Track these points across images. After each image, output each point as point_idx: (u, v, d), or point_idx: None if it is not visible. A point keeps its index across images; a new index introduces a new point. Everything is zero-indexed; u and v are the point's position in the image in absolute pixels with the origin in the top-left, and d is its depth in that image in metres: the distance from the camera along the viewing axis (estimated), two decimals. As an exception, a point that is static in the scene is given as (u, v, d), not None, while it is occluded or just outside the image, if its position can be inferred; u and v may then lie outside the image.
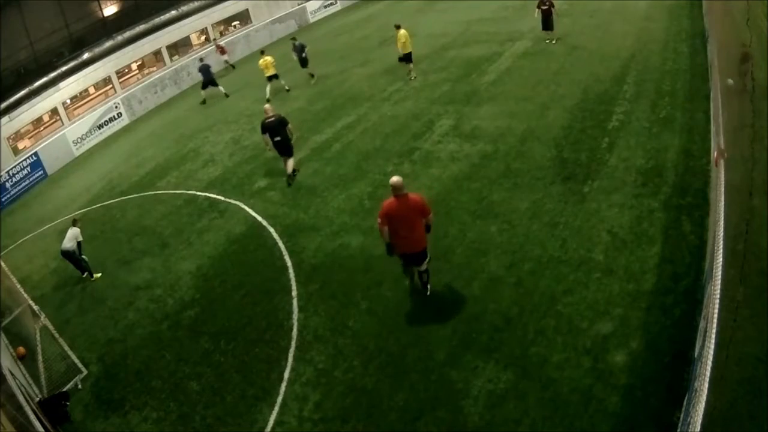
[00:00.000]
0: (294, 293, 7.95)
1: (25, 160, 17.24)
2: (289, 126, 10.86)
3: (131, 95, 21.16)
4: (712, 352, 3.01)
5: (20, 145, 18.02)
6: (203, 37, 24.83)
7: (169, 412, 6.57)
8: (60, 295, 10.00)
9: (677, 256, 6.59)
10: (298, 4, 27.79)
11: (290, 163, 11.15)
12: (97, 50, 20.47)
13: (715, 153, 5.85)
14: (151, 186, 13.45)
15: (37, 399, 6.89)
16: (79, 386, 7.48)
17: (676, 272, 6.35)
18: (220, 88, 19.55)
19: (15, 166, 16.88)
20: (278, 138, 10.76)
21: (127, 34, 21.50)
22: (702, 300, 5.31)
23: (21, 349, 8.11)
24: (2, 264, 8.06)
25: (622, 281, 6.43)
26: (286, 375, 6.53)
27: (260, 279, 8.52)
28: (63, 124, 19.05)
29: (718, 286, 3.37)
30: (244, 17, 25.98)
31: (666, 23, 14.61)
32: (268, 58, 17.29)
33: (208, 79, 19.38)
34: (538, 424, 5.10)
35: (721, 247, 3.67)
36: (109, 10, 22.06)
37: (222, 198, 11.57)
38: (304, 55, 17.56)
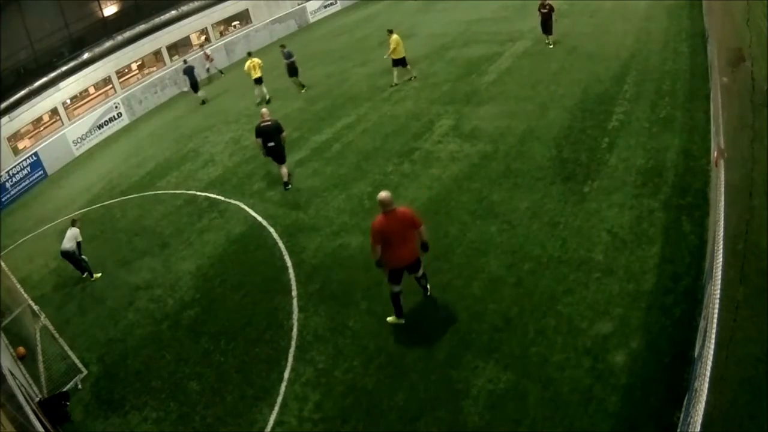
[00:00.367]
0: (294, 293, 7.95)
1: (25, 160, 17.25)
2: (284, 134, 10.72)
3: (131, 95, 21.18)
4: (712, 352, 3.01)
5: (20, 145, 18.03)
6: (203, 37, 24.84)
7: (169, 412, 6.57)
8: (60, 295, 10.00)
9: (677, 256, 6.59)
10: (298, 4, 27.79)
11: (284, 171, 11.03)
12: (97, 50, 20.49)
13: (715, 153, 5.85)
14: (151, 186, 13.45)
15: (37, 399, 6.90)
16: (79, 386, 7.48)
17: (676, 272, 6.35)
18: (199, 93, 19.49)
19: (15, 166, 16.90)
20: (271, 144, 10.61)
21: (127, 34, 21.52)
22: (702, 300, 5.31)
23: (21, 349, 8.11)
24: (2, 264, 8.06)
25: (622, 281, 6.43)
26: (286, 375, 6.53)
27: (260, 279, 8.53)
28: (63, 124, 19.06)
29: (718, 286, 3.37)
30: (244, 17, 26.00)
31: (666, 23, 14.61)
32: (256, 60, 16.94)
33: (193, 81, 19.34)
34: (538, 424, 5.10)
35: (721, 247, 3.66)
36: (109, 10, 22.07)
37: (222, 198, 11.57)
38: (292, 61, 16.88)
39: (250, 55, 17.95)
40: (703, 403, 2.84)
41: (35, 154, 17.64)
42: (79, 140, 19.08)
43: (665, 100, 10.47)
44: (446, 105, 13.01)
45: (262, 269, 8.76)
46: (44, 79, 18.66)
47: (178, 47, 23.82)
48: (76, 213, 13.02)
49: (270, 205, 10.68)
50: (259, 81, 17.01)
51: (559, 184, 8.68)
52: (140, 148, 16.98)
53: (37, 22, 19.19)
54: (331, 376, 6.33)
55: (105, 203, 13.45)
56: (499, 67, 14.54)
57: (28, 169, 17.31)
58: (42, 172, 17.72)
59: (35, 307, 7.62)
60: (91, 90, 20.80)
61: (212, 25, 24.66)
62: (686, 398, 4.31)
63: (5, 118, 17.12)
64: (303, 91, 17.02)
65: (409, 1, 26.40)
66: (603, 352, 5.60)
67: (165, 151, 15.77)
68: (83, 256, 10.03)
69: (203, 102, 19.45)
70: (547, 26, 14.88)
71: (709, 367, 2.96)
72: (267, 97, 17.08)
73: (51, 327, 7.62)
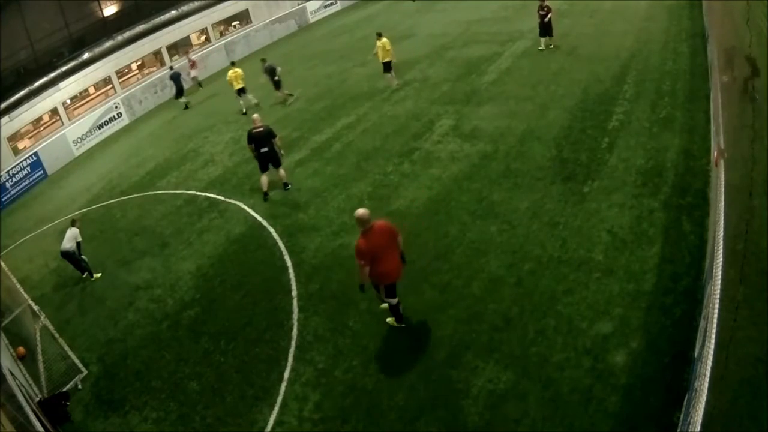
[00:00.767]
0: (294, 293, 7.95)
1: (25, 160, 17.25)
2: (276, 139, 10.60)
3: (131, 95, 21.18)
4: (712, 352, 3.01)
5: (20, 145, 18.03)
6: (203, 37, 24.83)
7: (169, 412, 6.57)
8: (60, 295, 10.00)
9: (677, 256, 6.59)
10: (298, 4, 27.79)
11: (281, 172, 10.91)
12: (97, 50, 20.49)
13: (715, 153, 5.85)
14: (151, 186, 13.45)
15: (37, 399, 6.89)
16: (79, 386, 7.48)
17: (676, 272, 6.35)
18: (181, 99, 19.37)
19: (15, 166, 16.90)
20: (265, 149, 10.45)
21: (127, 34, 21.51)
22: (702, 300, 5.31)
23: (21, 349, 8.11)
24: (2, 264, 8.06)
25: (622, 281, 6.43)
26: (286, 375, 6.53)
27: (260, 279, 8.53)
28: (63, 124, 19.06)
29: (718, 286, 3.37)
30: (244, 17, 26.00)
31: (666, 23, 14.61)
32: (238, 71, 16.53)
33: (180, 87, 19.20)
34: (538, 424, 5.10)
35: (721, 247, 3.67)
36: (109, 10, 22.07)
37: (222, 198, 11.57)
38: (276, 78, 16.14)
39: (233, 64, 17.70)
40: (703, 403, 2.84)
41: (35, 154, 17.64)
42: (79, 140, 19.08)
43: (665, 100, 10.47)
44: (446, 105, 13.01)
45: (262, 269, 8.76)
46: (44, 79, 18.66)
47: (178, 47, 23.81)
48: (76, 213, 13.02)
49: (270, 205, 10.68)
50: (241, 91, 16.58)
51: (559, 184, 8.68)
52: (140, 148, 16.98)
53: (37, 22, 19.19)
54: (331, 376, 6.33)
55: (105, 203, 13.45)
56: (499, 67, 14.53)
57: (28, 169, 17.31)
58: (42, 172, 17.72)
59: (35, 307, 7.63)
60: (91, 90, 20.80)
61: (212, 25, 24.66)
62: (686, 398, 4.31)
63: (5, 118, 17.12)
64: (289, 102, 16.35)
65: (408, 2, 26.39)
66: (603, 352, 5.60)
67: (165, 151, 15.76)
68: (83, 256, 10.03)
69: (186, 107, 19.23)
70: (546, 28, 14.68)
71: (709, 367, 2.96)
72: (254, 102, 16.66)
73: (51, 327, 7.63)
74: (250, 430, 6.00)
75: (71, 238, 9.81)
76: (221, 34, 25.29)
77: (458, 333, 6.38)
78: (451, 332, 6.42)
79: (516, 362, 5.79)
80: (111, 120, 20.25)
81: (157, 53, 22.82)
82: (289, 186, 11.03)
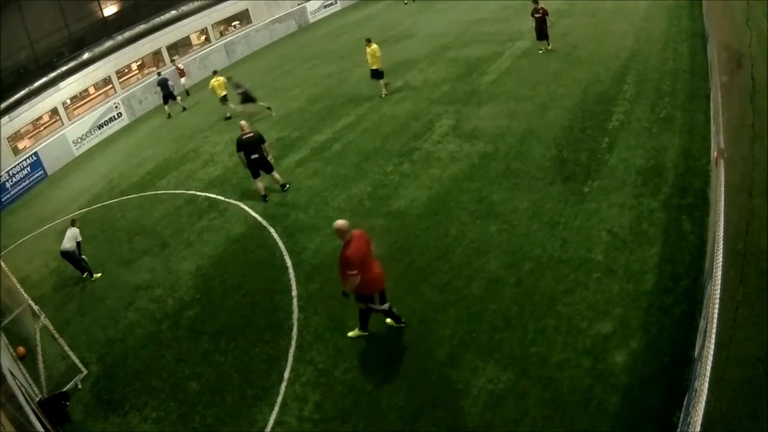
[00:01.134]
0: (294, 293, 7.95)
1: (25, 160, 17.25)
2: (265, 144, 10.47)
3: (131, 95, 21.17)
4: (712, 352, 3.01)
5: (20, 145, 18.03)
6: (203, 37, 24.83)
7: (169, 412, 6.57)
8: (60, 295, 10.00)
9: (677, 256, 6.59)
10: (298, 4, 27.79)
11: (276, 176, 10.81)
12: (97, 50, 20.47)
13: (715, 153, 5.86)
14: (151, 186, 13.45)
15: (37, 399, 6.89)
16: (79, 386, 7.48)
17: (676, 272, 6.35)
18: (178, 100, 19.24)
19: (15, 166, 16.89)
20: (255, 156, 10.34)
21: (127, 34, 21.50)
22: (702, 300, 5.31)
23: (21, 349, 8.11)
24: (2, 264, 8.06)
25: (622, 281, 6.43)
26: (286, 375, 6.53)
27: (260, 279, 8.53)
28: (63, 124, 19.06)
29: (718, 286, 3.37)
30: (244, 17, 26.00)
31: (666, 23, 14.61)
32: (220, 79, 16.53)
33: (167, 93, 18.98)
34: (538, 424, 5.10)
35: (721, 247, 3.66)
36: (109, 10, 22.06)
37: (222, 198, 11.57)
38: (243, 92, 15.59)
39: (215, 73, 17.70)
40: (703, 403, 2.84)
41: (35, 154, 17.63)
42: (79, 140, 19.07)
43: (665, 100, 10.47)
44: (446, 105, 13.01)
45: (262, 269, 8.76)
46: (44, 79, 18.65)
47: (178, 47, 23.81)
48: (76, 213, 13.02)
49: (270, 205, 10.68)
50: (224, 99, 16.57)
51: (559, 184, 8.68)
52: (140, 148, 16.98)
53: (37, 22, 19.18)
54: (331, 376, 6.33)
55: (105, 203, 13.45)
56: (499, 67, 14.53)
57: (28, 169, 17.30)
58: (42, 172, 17.72)
59: (35, 307, 7.63)
60: (91, 90, 20.79)
61: (212, 25, 24.66)
62: (686, 398, 4.31)
63: (5, 118, 17.11)
64: (273, 113, 15.70)
65: (409, 2, 26.39)
66: (603, 352, 5.60)
67: (165, 151, 15.76)
68: (83, 256, 10.03)
69: (169, 116, 19.04)
70: (541, 32, 14.50)
71: (709, 367, 2.96)
72: (239, 110, 16.27)
73: (51, 327, 7.62)
74: (250, 430, 6.00)
75: (71, 238, 9.81)
76: (221, 34, 25.29)
77: (458, 333, 6.38)
78: (451, 332, 6.42)
79: (516, 362, 5.79)
80: (111, 120, 20.24)
81: (157, 53, 22.80)
82: (287, 186, 10.99)
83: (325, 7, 29.00)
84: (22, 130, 18.32)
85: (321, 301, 7.61)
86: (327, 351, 6.72)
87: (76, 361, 7.70)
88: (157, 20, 22.45)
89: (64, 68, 19.35)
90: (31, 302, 7.66)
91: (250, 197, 11.21)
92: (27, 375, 7.35)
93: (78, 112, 19.86)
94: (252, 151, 10.35)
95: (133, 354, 7.77)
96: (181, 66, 21.71)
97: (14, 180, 16.80)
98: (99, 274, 10.09)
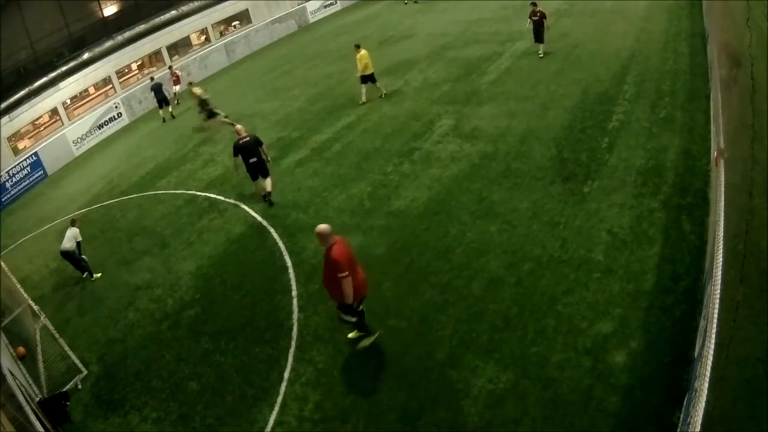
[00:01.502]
0: (294, 293, 7.95)
1: (25, 160, 17.23)
2: (263, 147, 10.40)
3: (131, 95, 21.14)
4: (712, 352, 3.01)
5: (20, 145, 18.02)
6: (203, 37, 24.81)
7: (169, 412, 6.57)
8: (60, 295, 9.99)
9: (677, 256, 6.59)
10: (298, 4, 27.77)
11: (268, 182, 10.57)
12: (97, 50, 20.45)
13: (715, 153, 5.86)
14: (151, 186, 13.45)
15: (37, 399, 6.89)
16: (79, 386, 7.48)
17: (676, 272, 6.35)
18: (170, 108, 19.05)
19: (15, 166, 16.87)
20: (254, 159, 10.24)
21: (127, 34, 21.47)
22: (702, 300, 5.31)
23: (21, 349, 8.11)
24: (2, 264, 8.06)
25: (622, 281, 6.43)
26: (286, 375, 6.53)
27: (260, 279, 8.52)
28: (63, 124, 19.05)
29: (718, 286, 3.37)
30: (244, 17, 25.98)
31: (666, 23, 14.61)
32: (197, 90, 16.25)
33: (161, 98, 18.82)
34: (538, 424, 5.10)
35: (721, 247, 3.67)
36: (109, 10, 22.04)
37: (222, 198, 11.57)
38: (208, 109, 15.49)
39: (190, 84, 17.75)
40: (703, 403, 2.84)
41: (35, 154, 17.61)
42: (79, 140, 19.06)
43: (665, 100, 10.47)
44: (446, 105, 13.01)
45: (262, 269, 8.76)
46: (44, 79, 18.62)
47: (178, 47, 23.79)
48: (76, 213, 13.01)
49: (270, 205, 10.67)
50: (205, 104, 16.08)
51: (559, 184, 8.68)
52: (140, 148, 16.97)
53: (37, 22, 19.15)
54: (331, 376, 6.33)
55: (105, 203, 13.44)
56: (499, 67, 14.53)
57: (28, 169, 17.29)
58: (42, 172, 17.70)
59: (35, 307, 7.63)
60: (91, 90, 20.76)
61: (212, 25, 24.64)
62: (686, 398, 4.31)
63: (5, 118, 17.09)
64: (228, 120, 15.33)
65: (409, 2, 26.38)
66: (603, 352, 5.60)
67: (165, 151, 15.75)
68: (83, 256, 10.02)
69: (164, 120, 18.89)
70: (538, 34, 14.35)
71: (709, 367, 2.96)
72: (224, 116, 16.02)
73: (51, 327, 7.63)
74: (250, 430, 6.00)
75: (71, 238, 9.80)
76: (221, 34, 25.27)
77: (458, 333, 6.38)
78: (451, 332, 6.42)
79: (516, 362, 5.79)
80: (111, 120, 20.22)
81: (157, 53, 22.79)
82: (273, 203, 10.52)
83: (325, 7, 28.97)
84: (22, 130, 18.29)
85: (321, 301, 7.61)
86: (327, 351, 6.72)
87: (76, 361, 7.70)
88: (157, 20, 22.41)
89: (64, 68, 19.33)
90: (31, 302, 7.66)
91: (250, 197, 11.20)
92: (27, 375, 7.35)
93: (78, 112, 19.84)
94: (250, 155, 10.28)
95: (133, 354, 7.77)
96: (178, 72, 21.04)
97: (14, 180, 16.79)
98: (99, 274, 10.08)
